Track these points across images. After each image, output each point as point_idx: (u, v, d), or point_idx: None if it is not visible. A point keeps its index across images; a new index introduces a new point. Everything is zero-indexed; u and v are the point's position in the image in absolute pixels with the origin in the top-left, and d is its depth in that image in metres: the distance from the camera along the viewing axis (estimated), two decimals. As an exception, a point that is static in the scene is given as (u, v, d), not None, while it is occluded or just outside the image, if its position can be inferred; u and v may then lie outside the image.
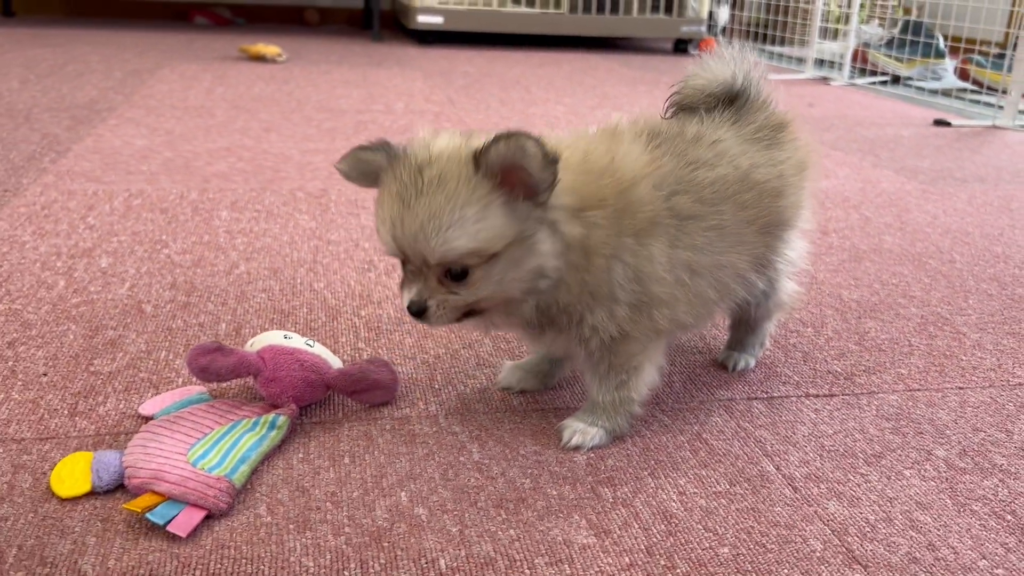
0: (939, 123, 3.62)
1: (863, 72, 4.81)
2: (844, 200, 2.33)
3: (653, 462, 1.09)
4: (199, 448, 1.01)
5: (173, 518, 0.91)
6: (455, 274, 0.95)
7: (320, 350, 1.17)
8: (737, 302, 1.25)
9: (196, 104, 3.19)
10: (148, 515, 0.90)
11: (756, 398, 1.26)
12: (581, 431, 1.11)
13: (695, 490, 1.03)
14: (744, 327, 1.35)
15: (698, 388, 1.29)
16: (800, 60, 5.19)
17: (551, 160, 0.93)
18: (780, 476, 1.07)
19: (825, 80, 4.70)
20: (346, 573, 0.86)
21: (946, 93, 4.37)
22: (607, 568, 0.89)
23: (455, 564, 0.89)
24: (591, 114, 3.43)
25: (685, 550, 0.93)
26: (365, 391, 1.16)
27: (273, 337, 1.16)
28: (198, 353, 1.11)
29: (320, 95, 3.51)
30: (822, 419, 1.21)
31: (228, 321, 1.41)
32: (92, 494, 0.96)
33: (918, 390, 1.31)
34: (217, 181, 2.20)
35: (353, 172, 1.02)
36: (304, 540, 0.91)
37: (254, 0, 6.00)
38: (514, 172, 0.94)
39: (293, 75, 3.97)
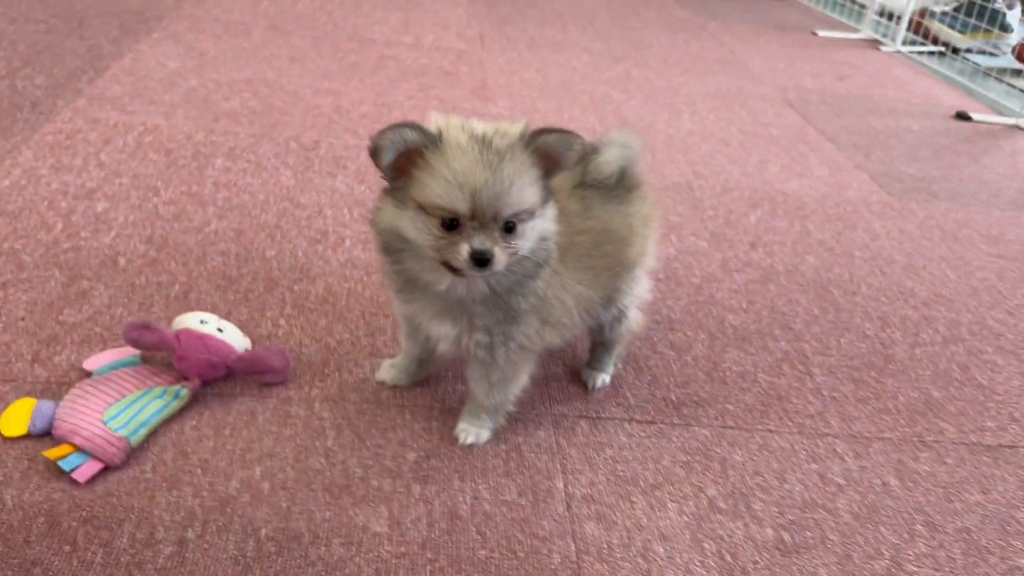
0: (960, 116, 3.63)
1: (921, 40, 4.72)
2: (798, 209, 2.47)
3: (469, 466, 1.37)
4: (114, 409, 1.32)
5: (78, 467, 1.23)
6: (509, 228, 1.16)
7: (230, 334, 1.46)
8: (591, 326, 1.49)
9: (238, 20, 3.42)
10: (60, 462, 1.22)
11: (586, 417, 1.52)
12: (474, 433, 1.40)
13: (488, 496, 1.31)
14: (600, 348, 1.59)
15: (542, 401, 1.54)
16: (860, 13, 5.07)
17: (584, 158, 1.18)
18: (564, 493, 1.34)
19: (876, 44, 4.65)
20: (189, 531, 1.18)
21: (1000, 72, 4.29)
22: (383, 555, 1.19)
23: (272, 535, 1.19)
24: (610, 68, 3.54)
25: (451, 548, 1.21)
26: (260, 373, 1.45)
27: (191, 321, 1.45)
28: (130, 328, 1.41)
29: (358, 18, 3.69)
30: (630, 444, 1.46)
31: (182, 283, 1.71)
32: (28, 436, 1.29)
33: (732, 428, 1.54)
34: (225, 122, 2.47)
35: (392, 147, 1.14)
36: (168, 497, 1.22)
37: None
38: (551, 158, 1.17)
39: (343, -12, 4.13)
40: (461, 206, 1.12)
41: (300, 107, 2.66)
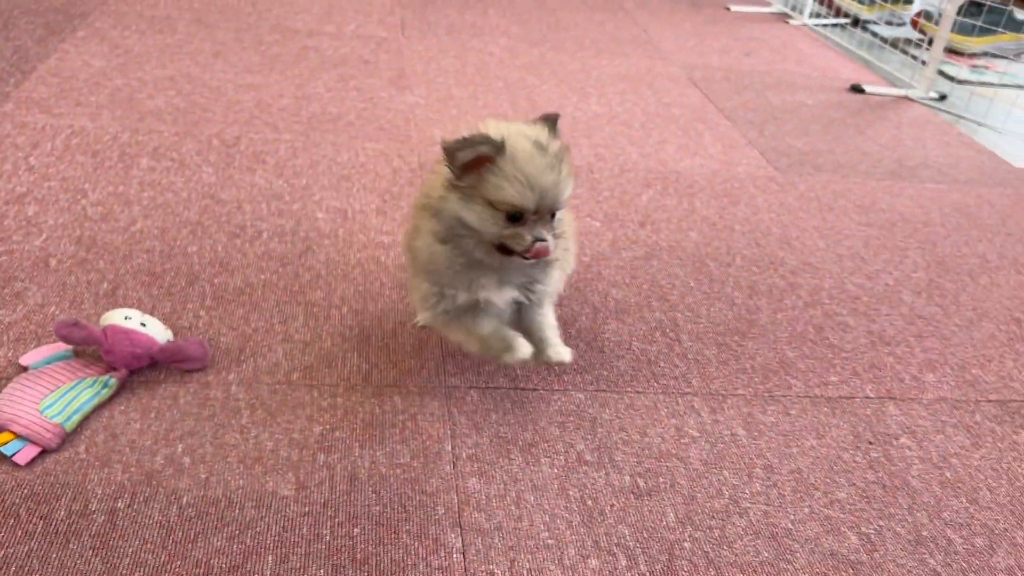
0: (854, 89, 3.88)
1: (826, 12, 4.96)
2: (688, 187, 2.69)
3: (367, 435, 1.57)
4: (50, 399, 1.49)
5: (18, 451, 1.40)
6: (552, 216, 1.42)
7: (152, 327, 1.64)
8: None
9: (163, 15, 3.52)
10: (1, 448, 1.40)
11: (476, 387, 1.73)
12: (564, 348, 1.57)
13: (384, 460, 1.52)
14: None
15: (437, 375, 1.75)
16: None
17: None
18: (451, 455, 1.55)
19: (785, 18, 4.88)
20: (119, 502, 1.36)
21: (896, 43, 4.54)
22: (289, 514, 1.39)
23: (192, 501, 1.38)
24: (526, 53, 3.72)
25: (350, 506, 1.42)
26: (181, 362, 1.63)
27: (116, 317, 1.62)
28: (60, 325, 1.58)
29: (282, 8, 3.81)
30: (514, 409, 1.68)
31: (110, 280, 1.87)
32: (-28, 426, 1.46)
33: (604, 391, 1.76)
34: (150, 120, 2.60)
35: (467, 157, 1.35)
36: (100, 474, 1.41)
37: None
38: None
39: (267, -24, 4.22)
40: (530, 204, 1.37)
41: (222, 103, 2.80)
